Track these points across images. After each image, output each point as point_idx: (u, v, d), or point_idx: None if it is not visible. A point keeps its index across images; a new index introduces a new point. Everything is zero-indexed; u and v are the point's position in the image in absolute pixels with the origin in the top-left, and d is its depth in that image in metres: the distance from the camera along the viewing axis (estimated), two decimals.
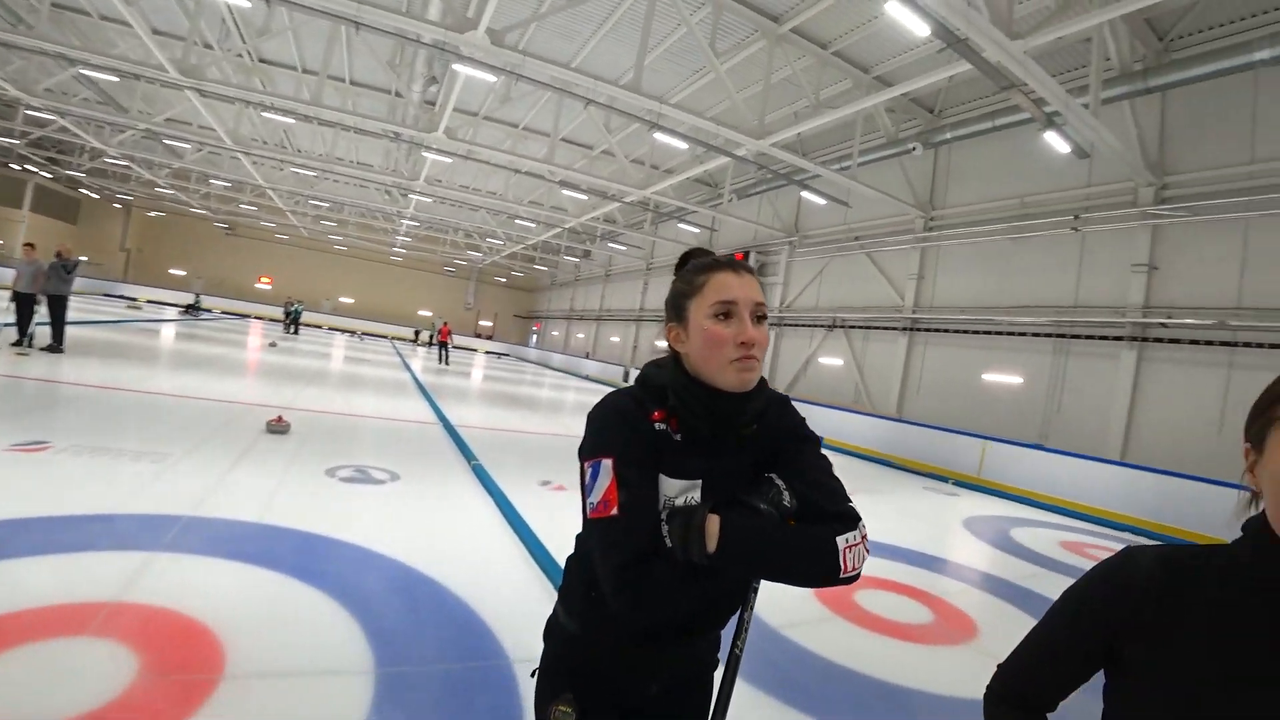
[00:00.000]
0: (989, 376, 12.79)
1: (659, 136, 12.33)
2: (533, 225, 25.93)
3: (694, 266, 1.14)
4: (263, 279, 41.35)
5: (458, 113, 16.04)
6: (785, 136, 11.27)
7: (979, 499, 9.54)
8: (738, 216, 18.83)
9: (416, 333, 37.64)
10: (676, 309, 1.13)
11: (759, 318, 1.08)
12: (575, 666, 1.15)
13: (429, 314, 42.48)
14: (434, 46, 10.84)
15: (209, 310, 32.60)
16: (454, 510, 5.01)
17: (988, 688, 0.98)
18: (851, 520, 1.04)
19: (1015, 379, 12.28)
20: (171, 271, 39.33)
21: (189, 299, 30.66)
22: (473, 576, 3.63)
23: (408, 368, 19.09)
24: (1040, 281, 12.08)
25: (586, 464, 1.05)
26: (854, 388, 16.03)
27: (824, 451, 1.17)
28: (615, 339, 32.15)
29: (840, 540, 1.00)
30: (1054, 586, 5.28)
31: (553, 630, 1.21)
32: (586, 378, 28.31)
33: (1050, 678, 0.92)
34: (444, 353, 24.22)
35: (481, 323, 47.24)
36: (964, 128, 11.91)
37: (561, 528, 4.77)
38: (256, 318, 35.71)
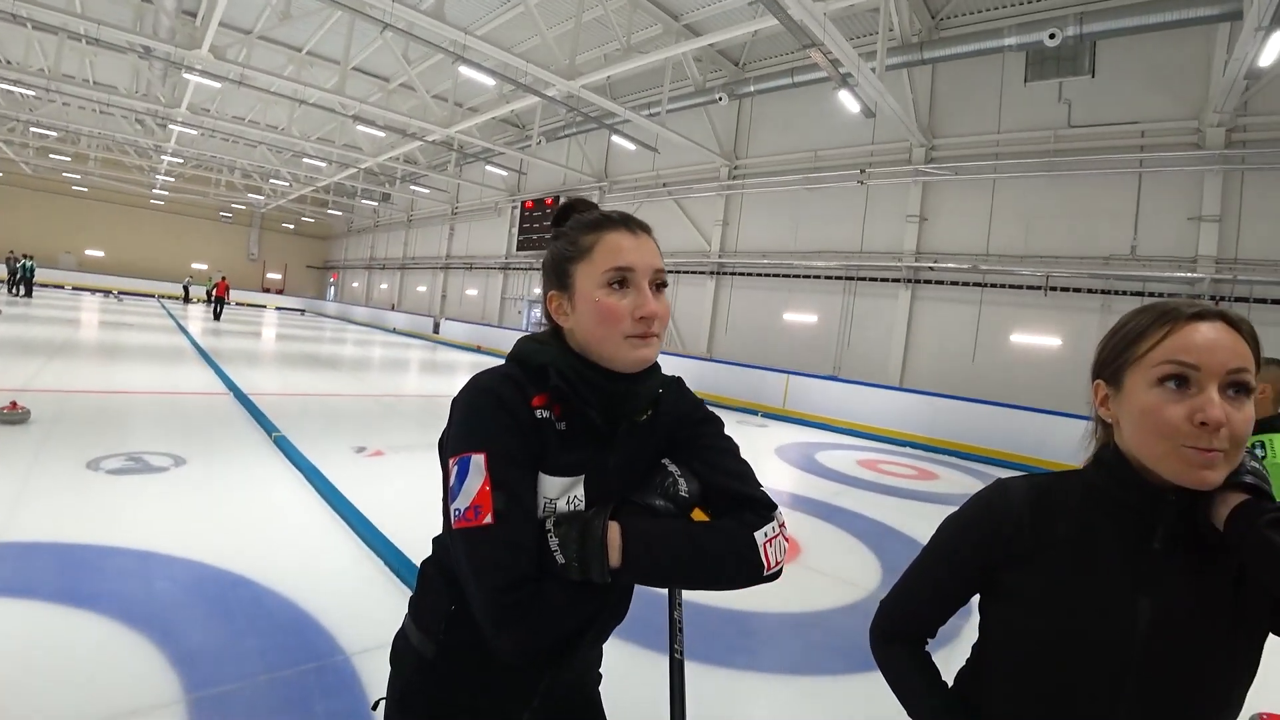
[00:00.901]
0: (789, 316, 13.94)
1: (464, 71, 11.49)
2: (323, 165, 23.35)
3: (578, 224, 0.96)
4: None
5: (226, 28, 13.77)
6: (596, 79, 11.11)
7: (786, 428, 10.49)
8: (547, 160, 18.44)
9: (186, 289, 31.85)
10: (559, 275, 0.95)
11: (659, 285, 0.94)
12: (432, 698, 0.97)
13: (204, 267, 36.86)
14: None
15: None
16: (258, 492, 4.45)
17: (873, 625, 1.00)
18: (766, 508, 0.93)
19: (811, 318, 13.51)
20: None
21: None
22: (291, 566, 3.26)
23: (184, 330, 16.54)
24: (832, 229, 13.26)
25: (452, 461, 0.85)
26: (667, 330, 16.62)
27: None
28: (421, 289, 30.46)
29: (759, 535, 0.89)
30: (857, 501, 5.98)
31: (403, 654, 1.00)
32: (394, 330, 26.85)
33: (933, 610, 0.96)
34: (219, 309, 21.72)
35: (270, 275, 41.99)
36: (766, 82, 12.49)
37: (385, 498, 4.46)
38: None
